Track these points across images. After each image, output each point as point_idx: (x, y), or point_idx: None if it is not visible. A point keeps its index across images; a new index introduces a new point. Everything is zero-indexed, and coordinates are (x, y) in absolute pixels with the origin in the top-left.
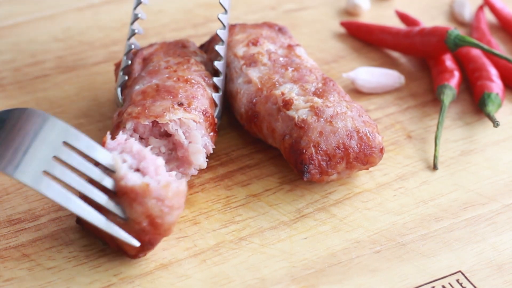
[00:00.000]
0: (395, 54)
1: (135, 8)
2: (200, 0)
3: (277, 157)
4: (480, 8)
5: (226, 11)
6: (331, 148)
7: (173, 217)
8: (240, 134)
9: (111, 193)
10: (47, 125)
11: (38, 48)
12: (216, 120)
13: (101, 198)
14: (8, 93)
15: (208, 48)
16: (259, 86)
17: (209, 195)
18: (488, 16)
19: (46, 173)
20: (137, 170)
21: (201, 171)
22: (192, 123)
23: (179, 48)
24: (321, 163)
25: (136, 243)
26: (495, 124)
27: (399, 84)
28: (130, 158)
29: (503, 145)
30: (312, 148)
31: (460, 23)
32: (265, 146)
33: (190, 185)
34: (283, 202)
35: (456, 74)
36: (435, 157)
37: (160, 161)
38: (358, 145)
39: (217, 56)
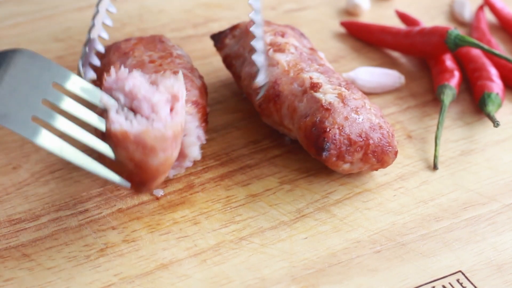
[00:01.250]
0: (395, 54)
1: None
2: (200, 0)
3: (277, 157)
4: (480, 8)
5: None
6: (354, 134)
7: (158, 159)
8: (240, 134)
9: (103, 134)
10: (35, 66)
11: (38, 48)
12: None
13: (89, 139)
14: None
15: (228, 34)
16: (286, 69)
17: (209, 195)
18: (488, 16)
19: (36, 118)
20: (131, 109)
21: (201, 171)
22: (187, 116)
23: (158, 43)
24: (342, 146)
25: (126, 184)
26: (495, 124)
27: (399, 84)
28: (122, 97)
29: (503, 145)
30: (337, 130)
31: (460, 23)
32: (265, 146)
33: (190, 185)
34: (283, 202)
35: (456, 74)
36: (435, 157)
37: (157, 97)
38: (379, 139)
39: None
